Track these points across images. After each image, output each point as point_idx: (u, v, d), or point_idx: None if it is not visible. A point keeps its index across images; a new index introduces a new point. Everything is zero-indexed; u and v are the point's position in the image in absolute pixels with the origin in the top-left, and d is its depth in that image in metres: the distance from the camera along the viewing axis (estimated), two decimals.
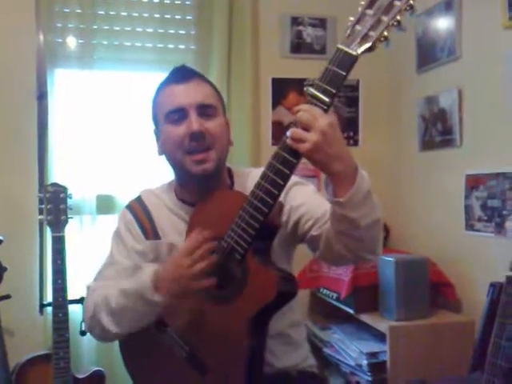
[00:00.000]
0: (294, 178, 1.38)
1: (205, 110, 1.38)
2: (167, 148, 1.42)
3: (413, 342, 2.08)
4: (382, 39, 1.06)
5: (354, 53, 1.07)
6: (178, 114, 1.37)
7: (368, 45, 1.07)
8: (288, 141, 1.11)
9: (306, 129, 1.08)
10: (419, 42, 2.57)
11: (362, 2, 1.09)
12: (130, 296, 1.30)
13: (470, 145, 2.27)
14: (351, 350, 2.28)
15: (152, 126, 1.50)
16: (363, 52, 1.07)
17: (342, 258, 1.27)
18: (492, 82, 2.13)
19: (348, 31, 1.09)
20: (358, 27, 1.08)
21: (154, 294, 1.26)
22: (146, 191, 1.56)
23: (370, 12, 1.07)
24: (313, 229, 1.35)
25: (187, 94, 1.38)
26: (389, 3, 1.05)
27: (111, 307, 1.33)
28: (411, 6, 1.04)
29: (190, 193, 1.46)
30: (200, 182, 1.40)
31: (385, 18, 1.05)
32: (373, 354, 2.18)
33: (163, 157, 1.47)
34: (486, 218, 2.13)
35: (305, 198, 1.41)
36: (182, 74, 1.42)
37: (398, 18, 1.05)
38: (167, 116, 1.39)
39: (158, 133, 1.47)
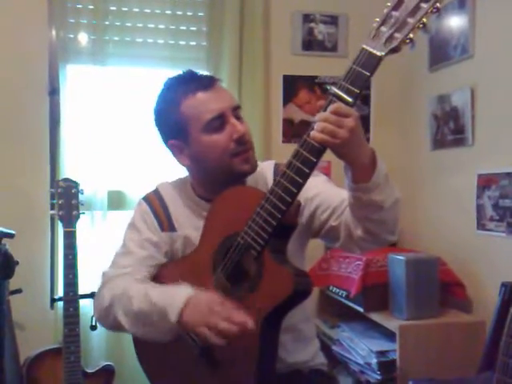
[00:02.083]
0: None
1: (237, 112, 1.39)
2: (209, 157, 1.37)
3: (422, 341, 2.08)
4: (408, 41, 1.06)
5: (379, 53, 1.07)
6: (219, 121, 1.35)
7: (393, 46, 1.07)
8: (316, 133, 1.11)
9: (338, 125, 1.09)
10: (432, 40, 2.56)
11: (388, 4, 1.08)
12: (154, 307, 1.28)
13: (482, 144, 2.26)
14: (360, 348, 2.28)
15: (167, 140, 1.44)
16: (388, 53, 1.07)
17: (363, 243, 1.29)
18: (505, 80, 2.11)
19: (373, 32, 1.09)
20: (383, 28, 1.08)
21: (176, 318, 1.22)
22: (164, 184, 1.56)
23: (395, 14, 1.07)
24: (331, 219, 1.35)
25: (221, 99, 1.36)
26: (415, 5, 1.04)
27: (131, 309, 1.32)
28: (438, 9, 1.03)
29: (210, 190, 1.44)
30: (241, 179, 1.40)
31: (411, 20, 1.05)
32: (382, 353, 2.17)
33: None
34: (497, 217, 2.11)
35: (319, 189, 1.40)
36: (203, 80, 1.39)
37: (425, 20, 1.04)
38: (208, 125, 1.35)
39: (182, 144, 1.41)
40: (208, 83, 1.38)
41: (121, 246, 1.50)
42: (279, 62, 2.81)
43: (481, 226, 2.21)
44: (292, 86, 2.83)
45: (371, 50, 1.08)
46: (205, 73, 1.49)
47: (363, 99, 2.88)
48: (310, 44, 2.85)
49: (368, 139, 2.90)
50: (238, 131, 1.35)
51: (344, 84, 1.10)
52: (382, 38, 1.08)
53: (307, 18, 2.84)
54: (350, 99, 1.09)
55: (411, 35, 1.06)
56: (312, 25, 2.84)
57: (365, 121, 2.89)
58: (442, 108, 2.50)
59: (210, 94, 1.36)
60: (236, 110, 1.39)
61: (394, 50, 1.07)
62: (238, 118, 1.39)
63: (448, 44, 2.44)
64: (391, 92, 2.90)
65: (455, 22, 2.39)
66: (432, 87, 2.59)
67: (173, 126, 1.40)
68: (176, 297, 1.25)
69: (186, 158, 1.43)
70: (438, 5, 1.03)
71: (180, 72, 1.45)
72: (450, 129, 2.44)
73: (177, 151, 1.44)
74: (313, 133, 1.11)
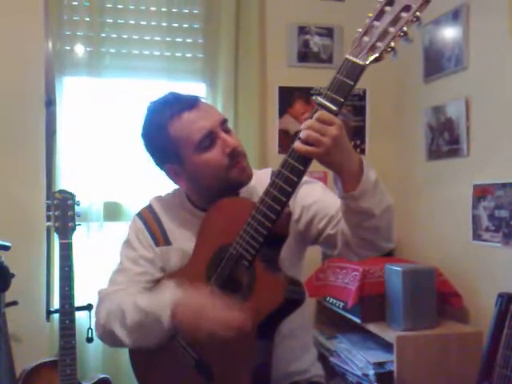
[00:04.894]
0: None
1: (225, 126, 1.40)
2: (205, 175, 1.38)
3: (420, 352, 2.07)
4: (389, 50, 1.08)
5: (362, 63, 1.09)
6: (209, 138, 1.35)
7: (375, 55, 1.09)
8: (300, 145, 1.12)
9: (320, 133, 1.10)
10: (426, 52, 2.58)
11: (370, 14, 1.11)
12: (145, 314, 1.29)
13: (477, 154, 2.27)
14: (358, 359, 2.27)
15: (162, 165, 1.45)
16: (371, 62, 1.09)
17: (360, 250, 1.29)
18: (499, 91, 2.13)
19: (356, 42, 1.11)
20: (365, 38, 1.11)
21: (169, 320, 1.24)
22: (156, 199, 1.56)
23: (377, 24, 1.10)
24: (328, 227, 1.36)
25: (207, 116, 1.37)
26: (396, 15, 1.07)
27: (126, 321, 1.33)
28: (418, 18, 1.06)
29: (207, 200, 1.43)
30: (238, 188, 1.41)
31: (392, 30, 1.08)
32: (379, 364, 2.16)
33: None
34: (493, 228, 2.12)
35: (316, 197, 1.41)
36: (186, 100, 1.39)
37: (405, 29, 1.06)
38: (199, 145, 1.35)
39: (177, 168, 1.41)
40: (192, 102, 1.38)
41: (117, 264, 1.51)
42: (275, 74, 2.83)
43: (476, 236, 2.22)
44: (288, 97, 2.84)
45: (354, 59, 1.10)
46: (188, 92, 1.48)
47: (358, 110, 2.90)
48: (306, 56, 2.87)
49: (363, 150, 2.91)
50: (229, 145, 1.36)
51: (329, 93, 1.12)
52: (364, 48, 1.10)
53: (302, 31, 2.86)
54: (334, 108, 1.11)
55: (392, 44, 1.08)
56: (307, 37, 2.86)
57: (360, 132, 2.91)
58: (437, 119, 2.51)
59: (196, 112, 1.36)
60: (224, 123, 1.40)
61: (377, 59, 1.09)
62: (227, 131, 1.40)
63: (442, 56, 2.46)
64: (386, 103, 2.92)
65: (449, 33, 2.41)
66: (427, 98, 2.61)
67: (164, 150, 1.40)
68: (162, 297, 1.28)
69: (183, 180, 1.44)
70: (418, 14, 1.05)
71: (162, 95, 1.45)
72: (445, 140, 2.45)
73: (173, 175, 1.45)
74: (296, 144, 1.13)
